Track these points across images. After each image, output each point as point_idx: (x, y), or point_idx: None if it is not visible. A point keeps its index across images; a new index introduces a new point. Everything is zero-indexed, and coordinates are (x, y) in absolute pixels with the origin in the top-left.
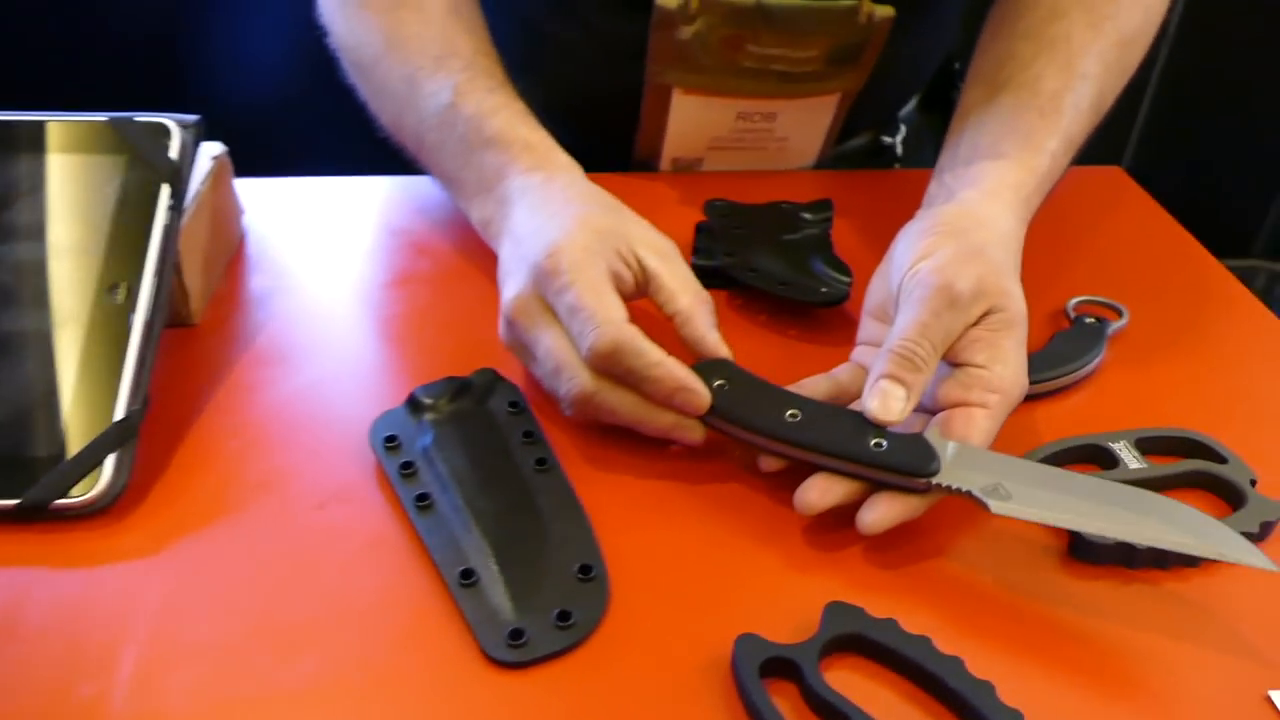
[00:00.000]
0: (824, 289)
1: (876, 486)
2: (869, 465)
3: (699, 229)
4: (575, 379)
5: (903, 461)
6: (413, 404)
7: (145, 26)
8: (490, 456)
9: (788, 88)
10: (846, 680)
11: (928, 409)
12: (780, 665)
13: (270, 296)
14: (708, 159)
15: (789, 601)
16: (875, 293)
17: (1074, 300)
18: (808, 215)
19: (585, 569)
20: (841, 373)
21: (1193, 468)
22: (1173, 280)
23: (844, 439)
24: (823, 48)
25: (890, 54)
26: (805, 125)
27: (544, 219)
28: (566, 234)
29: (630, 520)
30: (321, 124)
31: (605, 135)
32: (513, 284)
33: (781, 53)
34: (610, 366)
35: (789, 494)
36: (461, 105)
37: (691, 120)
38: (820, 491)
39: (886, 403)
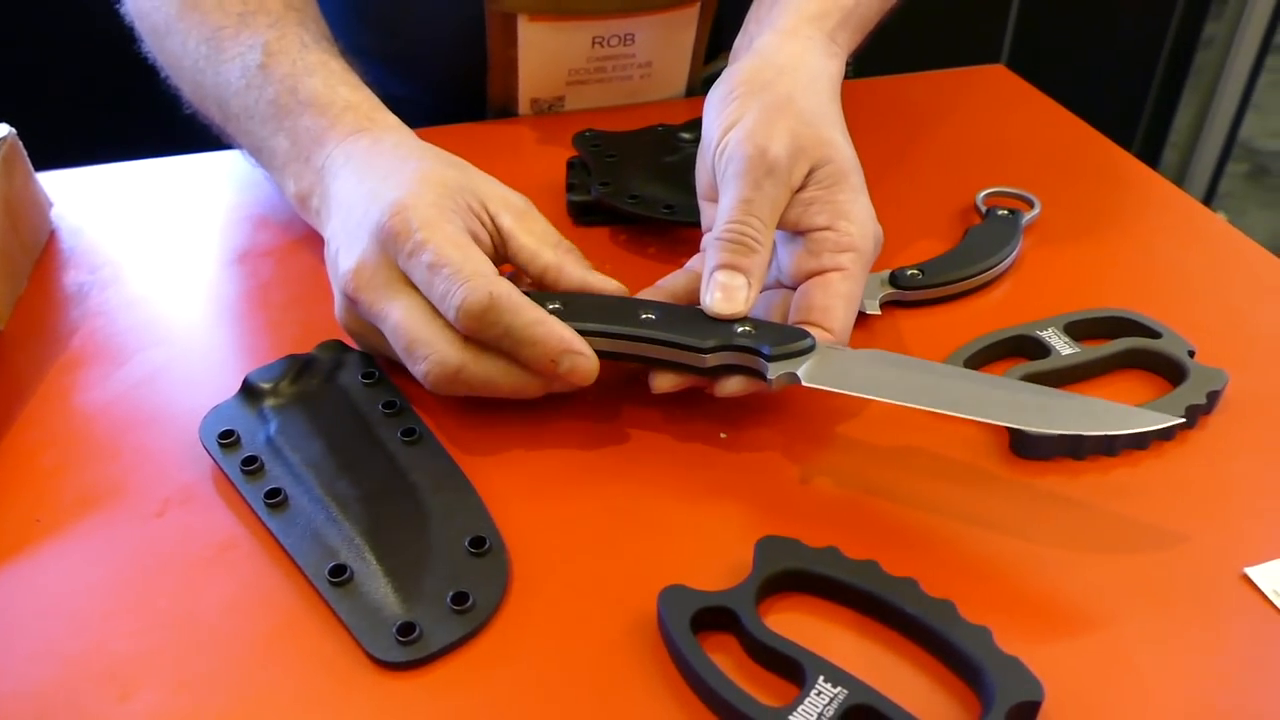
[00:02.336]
0: None
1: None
2: (738, 351)
3: (570, 165)
4: (436, 352)
5: (774, 338)
6: (248, 391)
7: None
8: (347, 436)
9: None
10: (791, 622)
11: (787, 286)
12: (714, 615)
13: (86, 293)
14: (569, 97)
15: (713, 545)
16: (700, 174)
17: (983, 193)
18: (686, 135)
19: (477, 542)
20: (696, 264)
21: (1127, 346)
22: (1076, 167)
23: (705, 331)
24: None
25: None
26: (667, 46)
27: (377, 181)
28: (410, 191)
29: (521, 483)
30: (130, 110)
31: (455, 83)
32: (349, 254)
33: None
34: (483, 329)
35: (696, 428)
36: (273, 66)
37: (543, 51)
38: (675, 380)
39: (728, 295)
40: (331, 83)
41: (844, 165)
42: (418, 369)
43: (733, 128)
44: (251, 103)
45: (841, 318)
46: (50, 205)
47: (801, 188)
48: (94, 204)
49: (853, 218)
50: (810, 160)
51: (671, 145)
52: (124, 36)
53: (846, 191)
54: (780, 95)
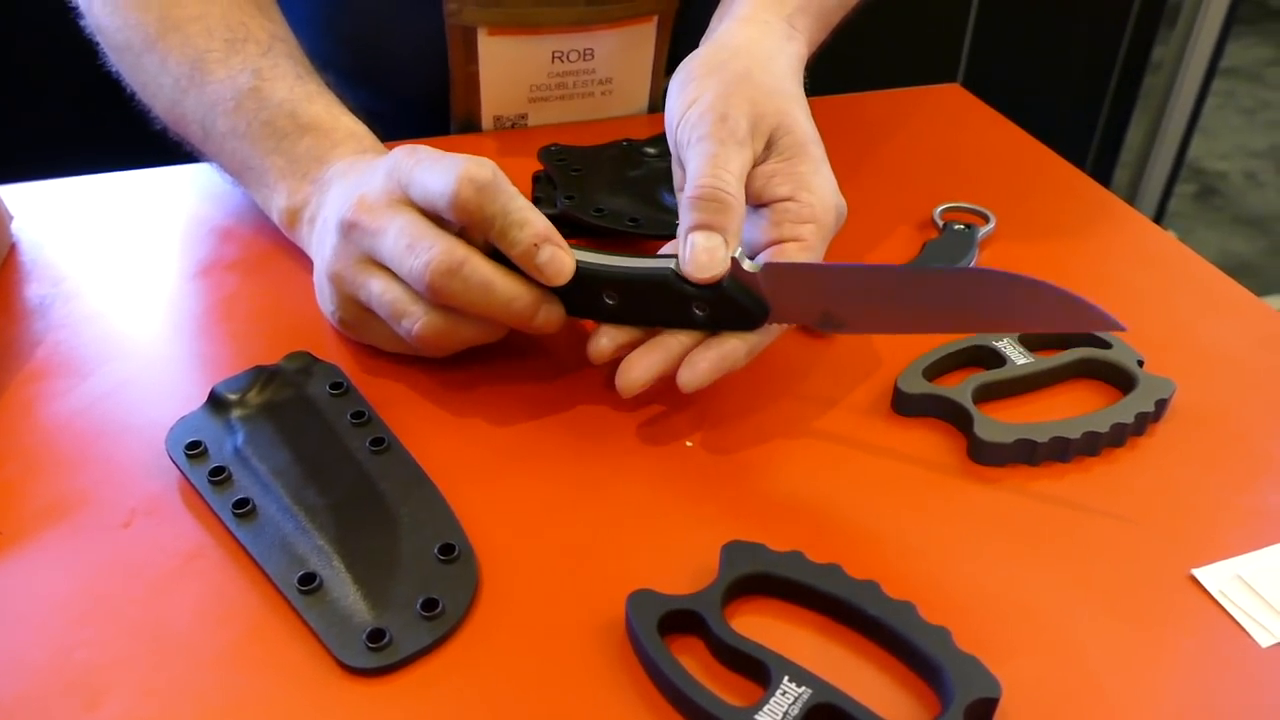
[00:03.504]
0: (677, 221)
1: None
2: (716, 297)
3: (535, 178)
4: (441, 241)
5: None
6: (214, 402)
7: None
8: (315, 446)
9: (598, 11)
10: (756, 624)
11: (747, 257)
12: (681, 618)
13: (48, 306)
14: (532, 114)
15: (680, 548)
16: (676, 170)
17: (940, 208)
18: (651, 150)
19: (446, 549)
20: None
21: (1079, 356)
22: (1030, 184)
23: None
24: None
25: None
26: (627, 62)
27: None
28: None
29: (489, 491)
30: (91, 123)
31: (420, 99)
32: (354, 191)
33: None
34: (483, 205)
35: (663, 436)
36: (268, 91)
37: (504, 66)
38: (643, 369)
39: (705, 256)
40: (334, 111)
41: (802, 136)
42: (419, 261)
43: (692, 105)
44: (242, 123)
45: None
46: (10, 218)
47: (763, 160)
48: (55, 217)
49: (814, 189)
50: (769, 128)
51: (636, 160)
52: (88, 50)
53: (807, 163)
54: (738, 72)
